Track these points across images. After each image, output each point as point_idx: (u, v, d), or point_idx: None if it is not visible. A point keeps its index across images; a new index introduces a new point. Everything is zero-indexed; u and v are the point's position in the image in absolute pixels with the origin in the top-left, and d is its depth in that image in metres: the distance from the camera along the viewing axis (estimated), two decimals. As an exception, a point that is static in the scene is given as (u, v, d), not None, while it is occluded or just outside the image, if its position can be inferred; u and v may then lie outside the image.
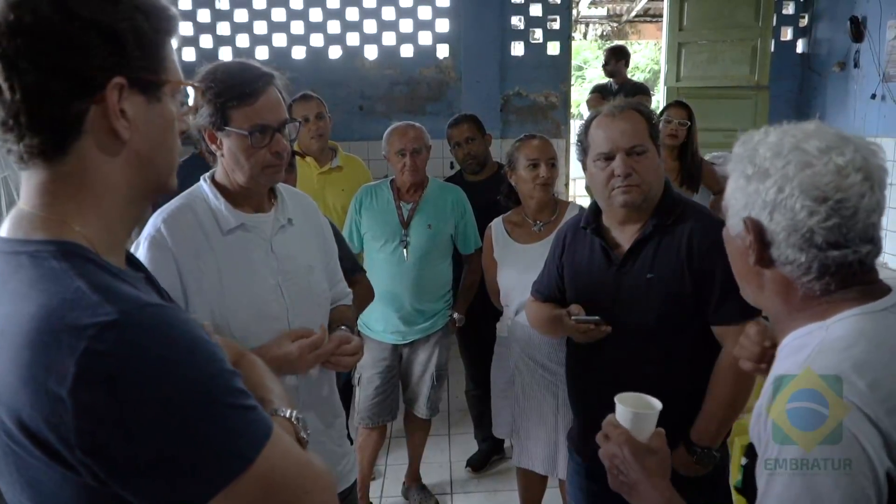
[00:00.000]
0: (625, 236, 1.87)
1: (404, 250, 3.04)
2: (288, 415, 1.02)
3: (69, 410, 0.71)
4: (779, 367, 1.06)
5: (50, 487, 0.78)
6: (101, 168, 0.86)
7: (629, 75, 6.22)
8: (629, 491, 1.25)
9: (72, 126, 0.83)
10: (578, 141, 1.92)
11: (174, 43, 0.93)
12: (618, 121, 1.81)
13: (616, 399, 1.27)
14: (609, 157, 1.80)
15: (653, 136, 1.83)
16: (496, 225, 2.82)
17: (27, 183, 0.87)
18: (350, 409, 3.20)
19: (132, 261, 1.05)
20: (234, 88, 1.51)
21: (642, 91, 5.91)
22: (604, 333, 1.83)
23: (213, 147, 1.57)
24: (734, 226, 1.11)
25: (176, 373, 0.76)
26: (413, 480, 3.45)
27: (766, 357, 1.29)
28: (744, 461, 1.14)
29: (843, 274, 1.02)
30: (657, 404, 1.28)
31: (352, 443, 3.49)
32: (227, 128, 1.52)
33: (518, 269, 2.64)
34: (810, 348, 1.00)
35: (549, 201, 2.71)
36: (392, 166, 3.15)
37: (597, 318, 1.83)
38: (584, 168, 1.92)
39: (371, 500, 3.37)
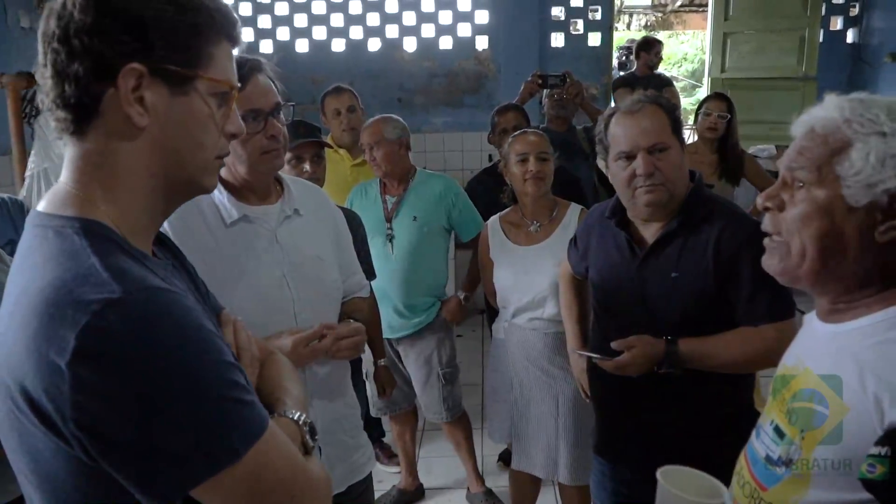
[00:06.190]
0: (649, 232, 1.82)
1: (389, 245, 2.96)
2: (296, 417, 1.00)
3: (66, 382, 0.73)
4: None
5: (46, 457, 0.80)
6: (118, 151, 0.89)
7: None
8: None
9: (90, 106, 0.86)
10: (599, 140, 1.86)
11: (228, 45, 0.95)
12: (637, 118, 1.74)
13: (659, 475, 0.90)
14: (630, 156, 1.74)
15: (675, 131, 1.76)
16: (492, 223, 2.71)
17: (66, 159, 0.92)
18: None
19: (169, 246, 1.08)
20: None
21: (667, 84, 5.79)
22: (607, 368, 1.78)
23: None
24: (861, 195, 1.00)
25: (170, 357, 0.77)
26: (478, 487, 3.28)
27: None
28: (883, 451, 0.94)
29: None
30: (722, 490, 0.88)
31: (377, 434, 3.47)
32: None
33: (514, 272, 2.56)
34: None
35: (546, 200, 2.59)
36: None
37: (598, 355, 1.81)
38: (607, 167, 1.85)
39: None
